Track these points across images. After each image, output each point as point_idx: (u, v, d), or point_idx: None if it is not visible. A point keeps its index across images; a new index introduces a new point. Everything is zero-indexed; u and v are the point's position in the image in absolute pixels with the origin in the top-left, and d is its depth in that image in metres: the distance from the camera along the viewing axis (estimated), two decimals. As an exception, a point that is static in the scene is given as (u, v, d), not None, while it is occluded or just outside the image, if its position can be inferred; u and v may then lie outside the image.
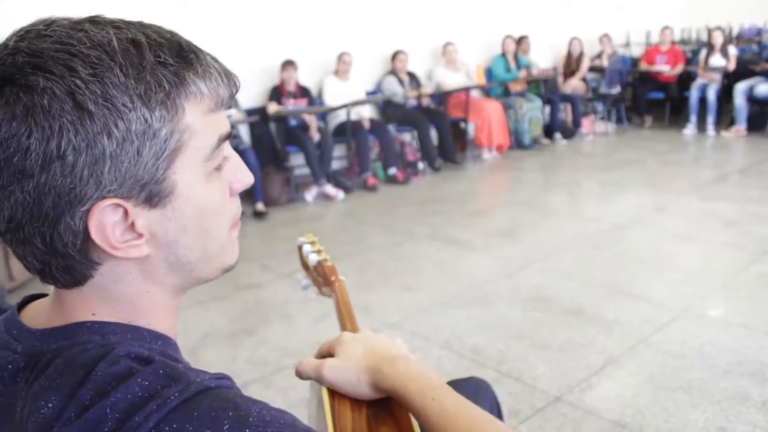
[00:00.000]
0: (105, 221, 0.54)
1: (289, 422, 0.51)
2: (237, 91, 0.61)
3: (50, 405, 0.51)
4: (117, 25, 0.54)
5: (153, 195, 0.55)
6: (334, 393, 0.79)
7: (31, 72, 0.50)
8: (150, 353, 0.55)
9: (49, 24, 0.53)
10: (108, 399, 0.49)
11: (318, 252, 1.31)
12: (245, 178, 0.64)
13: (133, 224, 0.55)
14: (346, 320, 1.14)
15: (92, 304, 0.59)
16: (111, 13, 0.58)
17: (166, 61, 0.53)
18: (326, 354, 0.82)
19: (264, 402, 0.53)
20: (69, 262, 0.56)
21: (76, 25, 0.53)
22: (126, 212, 0.55)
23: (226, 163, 0.62)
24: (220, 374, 0.55)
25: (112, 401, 0.49)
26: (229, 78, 0.59)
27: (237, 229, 0.66)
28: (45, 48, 0.51)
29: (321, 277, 1.27)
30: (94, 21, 0.54)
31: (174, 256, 0.60)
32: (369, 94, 6.23)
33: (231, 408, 0.50)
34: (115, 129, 0.51)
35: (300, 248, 1.36)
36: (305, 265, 1.37)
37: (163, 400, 0.49)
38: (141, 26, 0.55)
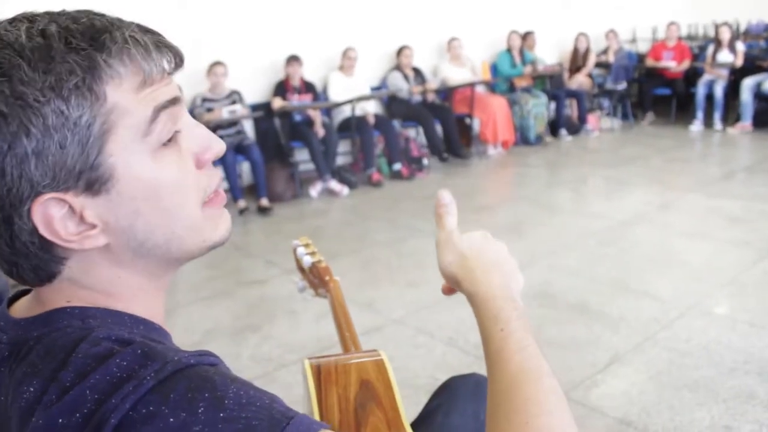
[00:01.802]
0: (50, 216, 0.54)
1: (266, 405, 0.50)
2: (174, 59, 0.58)
3: (32, 389, 0.51)
4: (33, 18, 0.53)
5: (92, 183, 0.54)
6: (320, 385, 0.79)
7: None
8: (130, 335, 0.54)
9: None
10: (87, 380, 0.49)
11: (312, 254, 1.32)
12: (215, 146, 0.61)
13: (82, 216, 0.55)
14: (342, 320, 1.14)
15: (66, 293, 0.59)
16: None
17: (78, 47, 0.52)
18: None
19: (244, 381, 0.52)
20: (34, 261, 0.56)
21: (5, 25, 0.53)
22: (70, 205, 0.54)
23: (182, 135, 0.59)
24: (202, 351, 0.54)
25: (91, 382, 0.49)
26: (159, 50, 0.56)
27: (216, 204, 0.63)
28: None
29: (316, 279, 1.28)
30: (16, 19, 0.54)
31: (135, 242, 0.58)
32: (374, 89, 6.21)
33: (208, 389, 0.49)
34: (32, 126, 0.50)
35: (294, 251, 1.36)
36: (300, 268, 1.37)
37: (139, 381, 0.49)
38: (57, 15, 0.54)
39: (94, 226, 0.56)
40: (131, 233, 0.57)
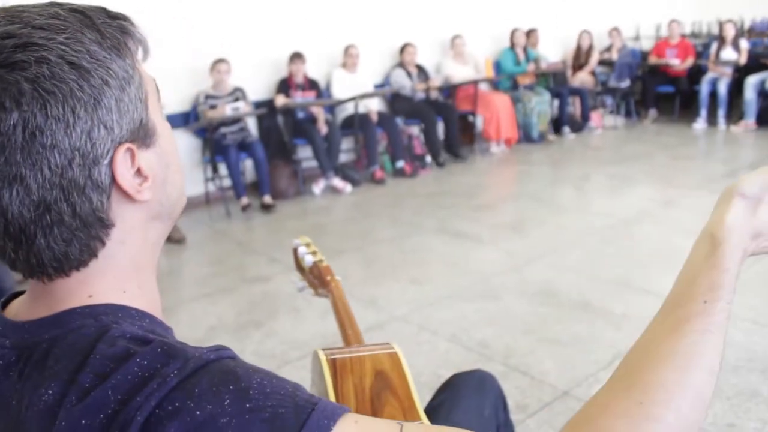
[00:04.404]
0: (123, 168, 0.56)
1: (290, 393, 0.51)
2: None
3: (50, 392, 0.51)
4: (51, 2, 0.56)
5: (147, 135, 0.59)
6: (336, 375, 0.80)
7: (13, 50, 0.51)
8: (144, 333, 0.55)
9: None
10: (108, 381, 0.49)
11: (313, 253, 1.32)
12: None
13: (139, 168, 0.58)
14: (344, 319, 1.14)
15: (91, 282, 0.58)
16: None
17: (105, 21, 0.56)
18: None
19: (266, 371, 0.53)
20: (94, 230, 0.56)
21: (11, 8, 0.54)
22: (132, 156, 0.57)
23: None
24: (218, 346, 0.55)
25: (113, 383, 0.49)
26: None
27: None
28: (9, 29, 0.51)
29: (316, 279, 1.28)
30: (36, 5, 0.55)
31: (165, 196, 0.62)
32: (377, 86, 6.21)
33: (232, 381, 0.50)
34: (111, 79, 0.54)
35: (295, 250, 1.37)
36: (300, 267, 1.38)
37: (162, 378, 0.49)
38: (61, 2, 0.57)
39: (147, 178, 0.58)
40: (164, 187, 0.62)
